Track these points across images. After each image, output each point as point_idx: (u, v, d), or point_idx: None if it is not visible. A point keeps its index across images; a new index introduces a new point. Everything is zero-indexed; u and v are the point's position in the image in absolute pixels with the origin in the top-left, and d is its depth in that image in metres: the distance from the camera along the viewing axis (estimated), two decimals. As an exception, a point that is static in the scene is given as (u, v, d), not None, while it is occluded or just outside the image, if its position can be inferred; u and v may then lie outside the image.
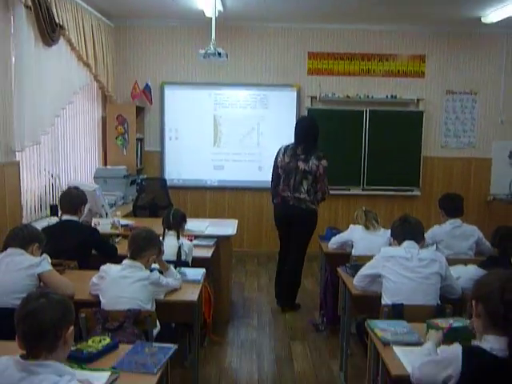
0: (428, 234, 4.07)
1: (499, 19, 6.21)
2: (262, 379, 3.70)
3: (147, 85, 6.76)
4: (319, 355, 4.10)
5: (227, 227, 4.78)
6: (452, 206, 4.30)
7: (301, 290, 5.16)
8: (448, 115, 7.18)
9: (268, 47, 6.98)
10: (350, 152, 6.92)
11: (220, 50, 5.17)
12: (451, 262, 3.53)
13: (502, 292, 1.84)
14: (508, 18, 6.14)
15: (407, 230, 3.22)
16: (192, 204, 7.08)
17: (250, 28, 6.94)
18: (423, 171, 7.10)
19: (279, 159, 4.96)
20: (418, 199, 7.13)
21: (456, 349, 1.91)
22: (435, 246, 4.04)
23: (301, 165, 4.78)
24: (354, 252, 4.06)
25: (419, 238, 3.21)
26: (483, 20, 6.36)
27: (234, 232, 4.69)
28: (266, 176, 7.03)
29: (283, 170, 4.89)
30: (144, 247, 3.07)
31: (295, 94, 7.00)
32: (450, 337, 2.32)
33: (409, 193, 7.13)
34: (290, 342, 4.34)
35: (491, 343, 1.86)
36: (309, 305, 5.18)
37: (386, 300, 3.02)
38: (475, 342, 1.97)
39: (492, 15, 6.18)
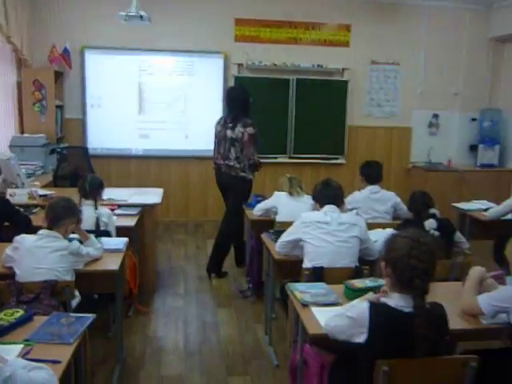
0: (348, 200, 4.22)
1: (420, -9, 6.37)
2: (187, 345, 3.72)
3: (66, 48, 6.42)
4: (245, 320, 4.16)
5: (152, 196, 4.69)
6: (371, 173, 4.47)
7: (230, 257, 5.20)
8: (372, 85, 7.35)
9: (194, 12, 6.80)
10: (276, 120, 6.96)
11: (142, 13, 4.99)
12: (371, 226, 3.67)
13: (408, 257, 1.96)
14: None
15: (329, 193, 3.29)
16: (116, 174, 6.89)
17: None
18: (348, 140, 7.28)
19: (215, 128, 5.04)
20: (343, 167, 7.31)
21: (363, 305, 2.02)
22: (355, 211, 4.17)
23: (228, 133, 4.84)
24: (278, 218, 4.11)
25: (339, 202, 3.29)
26: (405, -9, 6.51)
27: (159, 201, 4.61)
28: (192, 145, 7.02)
29: (217, 138, 5.01)
30: (62, 216, 2.95)
31: (222, 61, 6.91)
32: (352, 295, 2.48)
33: (334, 161, 7.30)
34: (217, 309, 4.38)
35: (397, 300, 1.99)
36: (237, 272, 5.22)
37: (306, 264, 3.09)
38: (383, 299, 2.08)
39: (413, -13, 6.33)
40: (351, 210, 4.15)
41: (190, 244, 6.24)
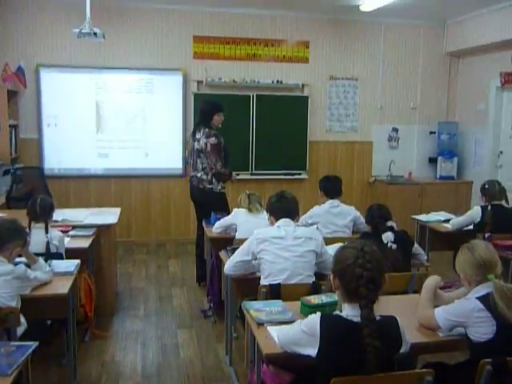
0: (308, 214, 4.26)
1: (375, 8, 6.48)
2: (145, 369, 3.59)
3: (20, 67, 6.27)
4: (206, 341, 4.05)
5: (108, 216, 4.57)
6: (329, 188, 4.46)
7: (192, 277, 5.10)
8: (332, 100, 7.41)
9: (152, 30, 6.75)
10: (237, 137, 6.91)
11: (96, 29, 4.90)
12: (330, 240, 3.65)
13: (353, 266, 1.96)
14: (384, 7, 6.42)
15: (283, 206, 3.24)
16: (75, 194, 6.73)
17: (133, 8, 6.65)
18: (310, 155, 7.29)
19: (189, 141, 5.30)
20: (306, 182, 7.31)
21: (315, 316, 2.00)
22: (315, 226, 4.14)
23: (195, 144, 5.01)
24: (237, 235, 4.05)
25: (294, 214, 3.24)
26: (361, 8, 6.60)
27: (115, 221, 4.49)
28: (153, 163, 6.92)
29: (188, 151, 5.26)
30: (7, 239, 2.83)
31: (181, 78, 6.85)
32: (308, 311, 2.41)
33: (296, 176, 7.29)
34: (177, 330, 4.26)
35: (347, 310, 2.00)
36: (199, 291, 5.12)
37: (263, 281, 3.03)
38: (336, 311, 2.09)
39: (369, 3, 6.42)
40: (311, 224, 4.12)
41: (152, 264, 6.10)
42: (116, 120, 6.78)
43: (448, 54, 7.66)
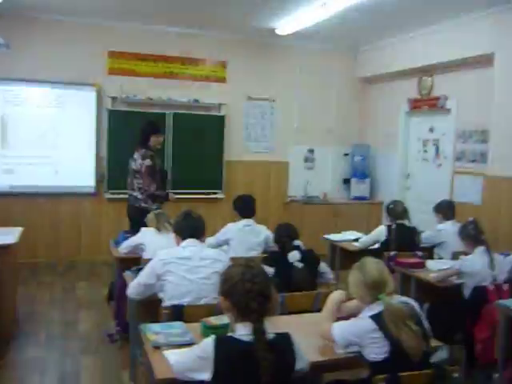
0: (222, 230, 4.35)
1: (290, 32, 6.64)
2: (41, 401, 3.36)
3: None
4: (110, 367, 3.86)
5: (7, 236, 4.29)
6: (244, 207, 4.49)
7: (101, 299, 4.89)
8: (249, 120, 7.47)
9: (62, 42, 6.52)
10: (153, 155, 6.78)
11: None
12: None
13: (241, 282, 1.97)
14: (300, 32, 6.60)
15: (189, 225, 3.16)
16: (-24, 213, 6.31)
17: (43, 20, 6.41)
18: (226, 174, 7.28)
19: None
20: (222, 202, 7.28)
21: (209, 340, 1.96)
22: (227, 246, 4.13)
23: (132, 164, 5.09)
24: (145, 255, 3.90)
25: (200, 234, 3.17)
26: (277, 32, 6.75)
27: (15, 240, 4.22)
28: (63, 180, 6.63)
29: (128, 171, 5.19)
30: None
31: (94, 94, 6.66)
32: (209, 333, 2.31)
33: (213, 196, 7.25)
34: (81, 356, 4.03)
35: (240, 330, 1.98)
36: (106, 314, 4.91)
37: (166, 302, 2.93)
38: (230, 333, 2.05)
39: (284, 28, 6.57)
40: (225, 241, 4.15)
41: (58, 286, 5.79)
42: (25, 135, 6.46)
43: (360, 80, 7.98)
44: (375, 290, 2.31)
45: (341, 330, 2.35)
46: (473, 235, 3.77)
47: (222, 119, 7.15)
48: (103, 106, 6.71)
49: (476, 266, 3.64)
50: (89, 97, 6.66)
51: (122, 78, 6.79)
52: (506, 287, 3.73)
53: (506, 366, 3.34)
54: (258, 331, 1.92)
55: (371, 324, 2.24)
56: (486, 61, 5.72)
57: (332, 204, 7.59)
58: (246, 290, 1.96)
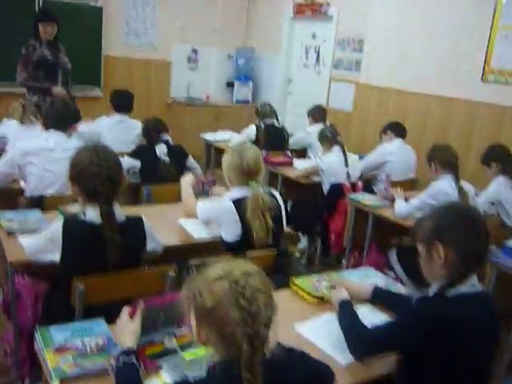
0: (95, 123, 4.35)
1: None
2: None
3: None
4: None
5: None
6: (120, 101, 4.39)
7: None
8: (129, 12, 7.05)
9: None
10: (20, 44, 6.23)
11: None
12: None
13: (89, 167, 1.97)
14: None
15: (54, 114, 3.06)
16: None
17: None
18: (104, 71, 6.95)
19: None
20: (100, 100, 6.98)
21: (58, 222, 1.99)
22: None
23: None
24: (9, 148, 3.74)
25: (66, 124, 3.08)
26: None
27: None
28: None
29: None
30: None
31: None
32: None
33: (91, 93, 6.93)
34: None
35: (88, 213, 2.00)
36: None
37: (26, 193, 2.88)
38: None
39: None
40: (92, 135, 4.05)
41: None
42: None
43: (250, -21, 7.76)
44: (247, 176, 2.43)
45: (203, 207, 2.56)
46: (330, 137, 4.07)
47: (99, 10, 6.68)
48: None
49: (333, 163, 3.94)
50: None
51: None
52: (360, 184, 4.11)
53: (351, 254, 3.76)
54: (107, 214, 1.96)
55: (230, 206, 2.40)
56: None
57: (215, 106, 7.60)
58: (93, 174, 1.96)
